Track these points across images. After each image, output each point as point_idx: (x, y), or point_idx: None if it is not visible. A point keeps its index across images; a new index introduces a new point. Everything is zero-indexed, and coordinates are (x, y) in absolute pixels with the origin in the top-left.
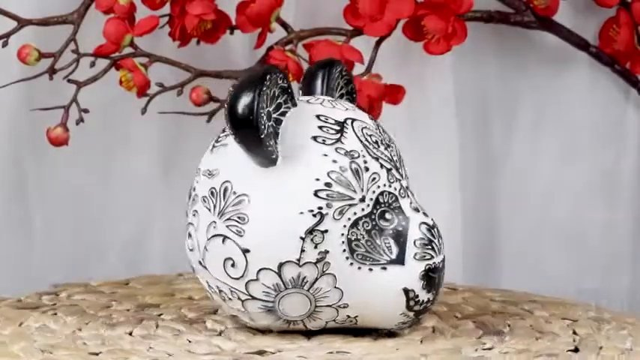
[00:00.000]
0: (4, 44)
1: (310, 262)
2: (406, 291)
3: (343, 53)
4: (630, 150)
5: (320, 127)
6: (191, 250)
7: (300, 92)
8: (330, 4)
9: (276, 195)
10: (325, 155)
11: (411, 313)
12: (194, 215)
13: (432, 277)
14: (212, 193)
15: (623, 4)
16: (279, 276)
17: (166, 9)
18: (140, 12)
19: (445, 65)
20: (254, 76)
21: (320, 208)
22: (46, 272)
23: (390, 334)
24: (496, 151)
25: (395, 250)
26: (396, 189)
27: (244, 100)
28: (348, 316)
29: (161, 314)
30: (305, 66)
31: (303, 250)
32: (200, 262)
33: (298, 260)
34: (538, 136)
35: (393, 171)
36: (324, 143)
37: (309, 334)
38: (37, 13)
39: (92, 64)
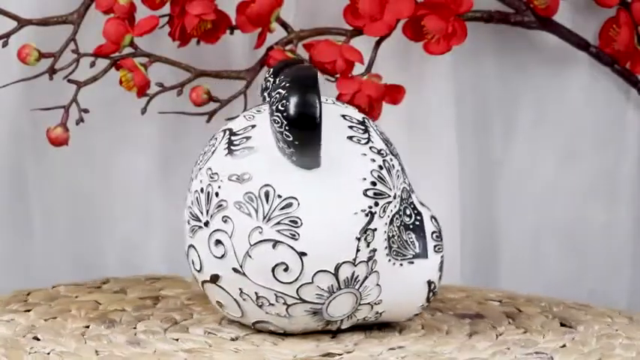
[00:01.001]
0: (4, 44)
1: (363, 261)
2: (429, 283)
3: (343, 53)
4: (630, 150)
5: (350, 127)
6: (220, 257)
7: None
8: (330, 4)
9: (327, 197)
10: (364, 155)
11: (426, 304)
12: (225, 222)
13: (443, 267)
14: (250, 198)
15: (623, 4)
16: (336, 277)
17: (166, 9)
18: (140, 12)
19: (445, 65)
20: (309, 75)
21: (370, 207)
22: (46, 272)
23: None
24: (496, 151)
25: (417, 244)
26: (408, 184)
27: (310, 100)
28: (377, 312)
29: (187, 326)
30: None
31: (358, 250)
32: (236, 269)
33: (354, 260)
34: (538, 136)
35: (403, 166)
36: (359, 143)
37: (328, 332)
38: (37, 13)
39: (92, 64)
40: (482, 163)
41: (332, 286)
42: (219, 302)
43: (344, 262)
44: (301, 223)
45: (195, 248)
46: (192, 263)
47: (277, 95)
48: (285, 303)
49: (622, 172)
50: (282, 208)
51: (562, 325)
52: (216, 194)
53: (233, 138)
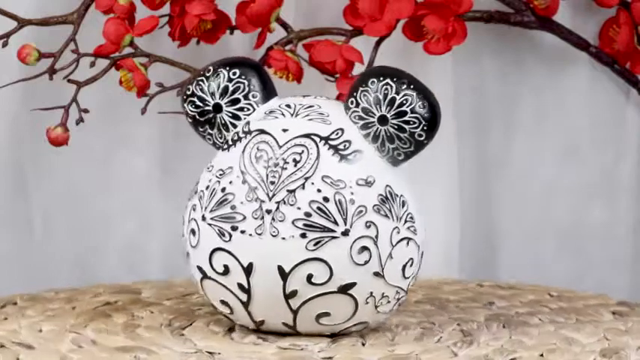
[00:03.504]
0: (4, 44)
1: None
2: None
3: (343, 53)
4: (630, 150)
5: None
6: (363, 263)
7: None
8: (330, 4)
9: (416, 191)
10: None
11: None
12: (368, 227)
13: None
14: (382, 200)
15: (623, 4)
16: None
17: (166, 9)
18: (140, 12)
19: (445, 65)
20: (407, 74)
21: None
22: (46, 272)
23: None
24: (495, 151)
25: None
26: None
27: (437, 102)
28: None
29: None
30: (305, 66)
31: None
32: (377, 273)
33: None
34: (538, 136)
35: None
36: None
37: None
38: (37, 13)
39: (92, 64)
40: (482, 163)
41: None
42: (323, 313)
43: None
44: (415, 219)
45: (322, 260)
46: (310, 278)
47: (408, 98)
48: (399, 298)
49: (622, 171)
50: (403, 206)
51: None
52: (352, 201)
53: (333, 143)
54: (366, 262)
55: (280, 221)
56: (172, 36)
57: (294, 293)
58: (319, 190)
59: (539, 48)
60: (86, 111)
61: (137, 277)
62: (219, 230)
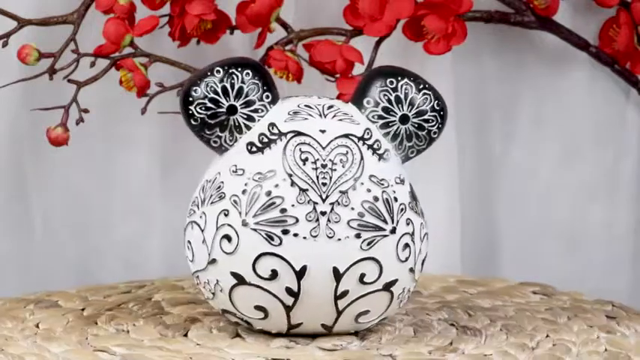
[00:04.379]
0: (4, 44)
1: None
2: None
3: (343, 53)
4: (630, 150)
5: None
6: (404, 260)
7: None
8: (330, 4)
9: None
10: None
11: None
12: (407, 224)
13: None
14: (413, 197)
15: (623, 4)
16: None
17: (166, 9)
18: (140, 12)
19: (445, 65)
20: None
21: None
22: (45, 272)
23: None
24: (496, 150)
25: None
26: None
27: (442, 97)
28: None
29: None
30: (305, 66)
31: None
32: (411, 269)
33: None
34: (538, 135)
35: None
36: None
37: None
38: (37, 13)
39: (92, 64)
40: (482, 162)
41: None
42: (363, 312)
43: None
44: (423, 213)
45: (374, 259)
46: (362, 277)
47: (427, 97)
48: (411, 290)
49: (622, 171)
50: (418, 202)
51: None
52: (395, 199)
53: (368, 143)
54: (407, 259)
55: (336, 222)
56: (172, 36)
57: (344, 293)
58: (369, 190)
59: (539, 48)
60: (86, 111)
61: (137, 277)
62: (266, 235)
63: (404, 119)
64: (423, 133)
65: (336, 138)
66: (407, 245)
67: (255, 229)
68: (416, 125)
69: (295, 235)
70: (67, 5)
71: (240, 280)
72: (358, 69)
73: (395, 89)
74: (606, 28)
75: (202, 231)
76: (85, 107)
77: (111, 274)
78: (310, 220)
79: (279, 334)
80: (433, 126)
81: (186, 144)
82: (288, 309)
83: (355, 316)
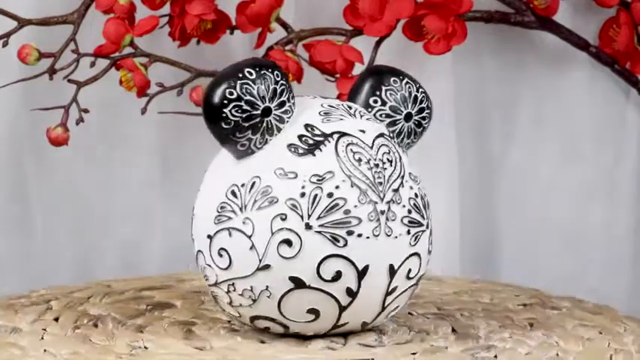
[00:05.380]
0: (4, 44)
1: None
2: None
3: (343, 53)
4: (630, 150)
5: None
6: (430, 253)
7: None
8: (330, 4)
9: None
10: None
11: None
12: (430, 219)
13: None
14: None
15: (623, 4)
16: None
17: (166, 9)
18: (140, 12)
19: (445, 65)
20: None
21: None
22: (45, 272)
23: None
24: (495, 151)
25: None
26: None
27: None
28: None
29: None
30: (305, 66)
31: None
32: (428, 262)
33: None
34: (538, 136)
35: None
36: None
37: None
38: (37, 13)
39: (92, 64)
40: (482, 162)
41: None
42: (397, 307)
43: None
44: None
45: (418, 255)
46: (409, 273)
47: (424, 95)
48: None
49: (622, 172)
50: None
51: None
52: (425, 195)
53: (396, 141)
54: (430, 252)
55: (392, 220)
56: (172, 36)
57: (393, 290)
58: (411, 188)
59: (539, 48)
60: (86, 111)
61: (137, 277)
62: (331, 236)
63: (408, 117)
64: (420, 129)
65: (376, 137)
66: (431, 240)
67: (319, 232)
68: (416, 123)
69: (359, 235)
70: (67, 5)
71: (299, 284)
72: (358, 69)
73: (400, 88)
74: (606, 28)
75: (249, 237)
76: (85, 107)
77: (111, 274)
78: (372, 220)
79: (299, 336)
80: (427, 123)
81: (187, 144)
82: (342, 309)
83: (390, 312)
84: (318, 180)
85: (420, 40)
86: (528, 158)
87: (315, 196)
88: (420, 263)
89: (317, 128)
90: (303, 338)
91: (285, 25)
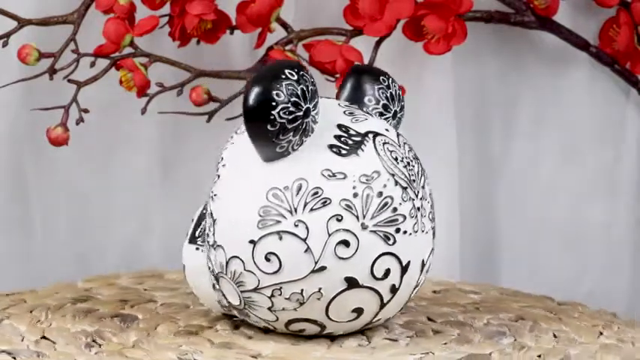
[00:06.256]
0: (4, 44)
1: None
2: None
3: (343, 53)
4: (630, 150)
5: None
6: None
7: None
8: (330, 4)
9: None
10: None
11: None
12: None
13: None
14: None
15: (623, 4)
16: None
17: (166, 9)
18: (140, 12)
19: (445, 65)
20: None
21: None
22: (45, 272)
23: None
24: (496, 150)
25: None
26: None
27: None
28: None
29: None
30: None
31: None
32: None
33: None
34: (538, 136)
35: None
36: None
37: None
38: (37, 13)
39: (92, 64)
40: (482, 162)
41: None
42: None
43: None
44: None
45: (433, 249)
46: (429, 267)
47: (400, 93)
48: None
49: (621, 171)
50: None
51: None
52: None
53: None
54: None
55: (424, 216)
56: (172, 36)
57: (418, 284)
58: (428, 184)
59: (539, 48)
60: (86, 111)
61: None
62: (384, 235)
63: (395, 115)
64: (399, 126)
65: (397, 136)
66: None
67: (374, 231)
68: (398, 120)
69: (405, 232)
70: (67, 5)
71: (352, 283)
72: None
73: (389, 87)
74: (606, 28)
75: (304, 240)
76: (85, 107)
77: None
78: (413, 217)
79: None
80: (401, 119)
81: (186, 144)
82: (382, 306)
83: (403, 306)
84: (367, 180)
85: (420, 40)
86: (528, 158)
87: (367, 195)
88: (433, 257)
89: (351, 128)
90: (330, 338)
91: (285, 25)
